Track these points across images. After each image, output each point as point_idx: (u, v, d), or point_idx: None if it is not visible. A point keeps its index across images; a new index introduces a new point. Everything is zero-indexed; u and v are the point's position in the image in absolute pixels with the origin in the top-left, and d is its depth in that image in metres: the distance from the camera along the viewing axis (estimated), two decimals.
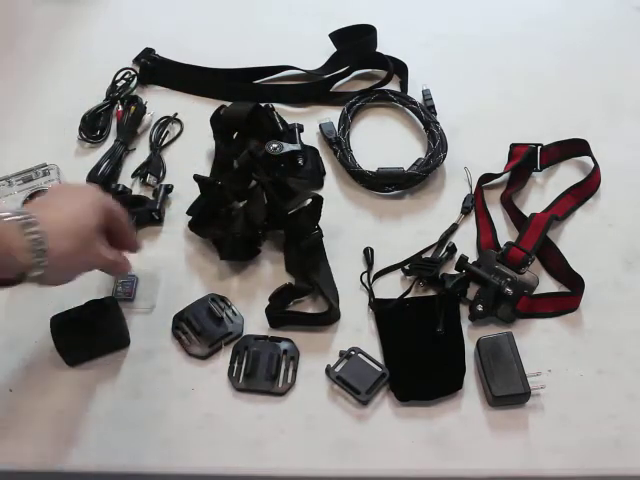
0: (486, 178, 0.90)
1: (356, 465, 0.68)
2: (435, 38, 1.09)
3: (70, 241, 0.62)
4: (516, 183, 0.90)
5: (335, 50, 1.05)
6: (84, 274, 0.67)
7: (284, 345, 0.75)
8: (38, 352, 0.75)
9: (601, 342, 0.76)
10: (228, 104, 0.94)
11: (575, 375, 0.74)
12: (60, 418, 0.71)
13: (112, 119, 0.97)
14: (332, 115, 0.97)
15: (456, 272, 0.80)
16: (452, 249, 0.82)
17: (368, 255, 0.82)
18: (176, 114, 0.98)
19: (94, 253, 0.66)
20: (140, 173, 0.91)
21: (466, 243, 0.84)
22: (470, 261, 0.80)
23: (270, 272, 0.82)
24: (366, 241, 0.84)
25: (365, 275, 0.81)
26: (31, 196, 0.80)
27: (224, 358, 0.75)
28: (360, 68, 1.04)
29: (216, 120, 0.93)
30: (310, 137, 0.95)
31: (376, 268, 0.82)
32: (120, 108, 0.97)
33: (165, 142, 0.95)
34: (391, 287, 0.81)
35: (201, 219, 0.84)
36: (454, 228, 0.86)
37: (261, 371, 0.73)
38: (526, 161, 0.90)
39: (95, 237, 0.66)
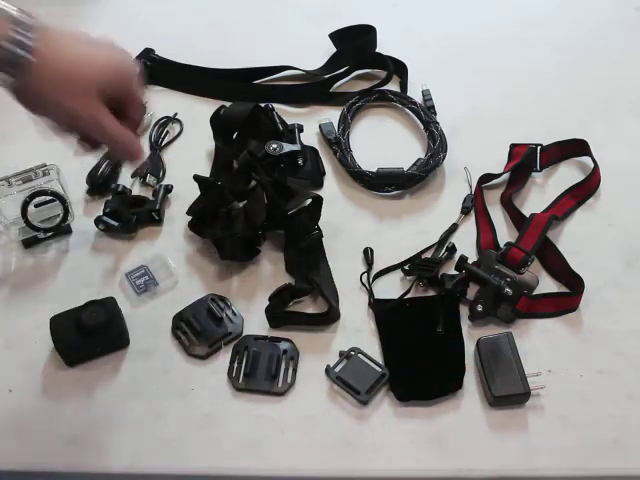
0: (486, 178, 0.90)
1: (356, 465, 0.68)
2: (435, 38, 1.09)
3: (59, 76, 0.56)
4: (516, 183, 0.90)
5: (335, 50, 1.05)
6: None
7: (284, 345, 0.75)
8: (38, 352, 0.75)
9: (601, 342, 0.76)
10: (228, 104, 0.94)
11: (575, 375, 0.74)
12: (60, 418, 0.71)
13: None
14: (332, 115, 0.97)
15: (456, 272, 0.80)
16: (452, 249, 0.82)
17: (368, 255, 0.82)
18: (176, 114, 0.98)
19: (88, 111, 0.58)
20: (140, 173, 0.91)
21: (466, 243, 0.84)
22: (470, 261, 0.80)
23: (270, 272, 0.82)
24: (366, 241, 0.84)
25: (365, 275, 0.81)
26: (31, 196, 0.79)
27: (224, 358, 0.75)
28: (360, 68, 1.04)
29: (216, 120, 0.93)
30: (310, 137, 0.95)
31: (376, 268, 0.82)
32: None
33: (165, 142, 0.95)
34: (391, 287, 0.81)
35: (201, 219, 0.84)
36: (454, 228, 0.86)
37: (261, 371, 0.73)
38: (526, 161, 0.90)
39: (93, 95, 0.58)
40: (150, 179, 0.90)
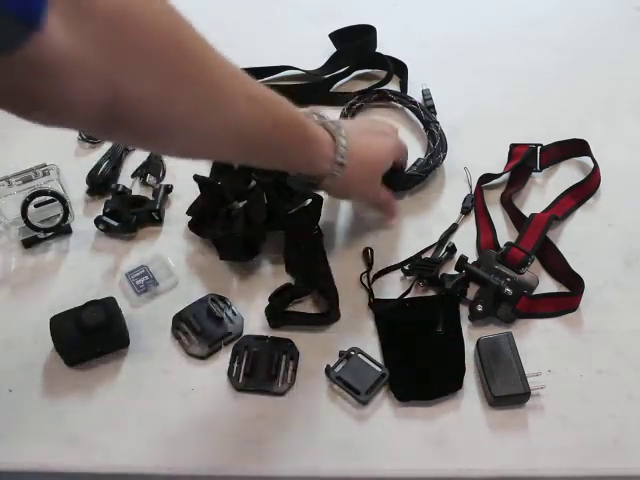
0: (486, 178, 0.90)
1: (356, 465, 0.68)
2: (435, 38, 1.09)
3: (364, 170, 0.75)
4: (516, 183, 0.90)
5: (335, 50, 1.05)
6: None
7: (284, 345, 0.75)
8: (38, 352, 0.75)
9: (601, 342, 0.76)
10: None
11: (575, 375, 0.74)
12: (60, 418, 0.71)
13: None
14: (332, 115, 0.96)
15: (456, 272, 0.80)
16: (452, 249, 0.82)
17: (368, 255, 0.82)
18: None
19: (376, 189, 0.78)
20: (140, 173, 0.91)
21: (466, 243, 0.84)
22: (470, 261, 0.80)
23: (270, 272, 0.82)
24: (366, 241, 0.84)
25: (365, 275, 0.81)
26: (31, 196, 0.79)
27: (224, 358, 0.75)
28: (360, 68, 1.04)
29: None
30: None
31: (376, 268, 0.82)
32: None
33: None
34: (391, 287, 0.81)
35: (201, 219, 0.84)
36: (454, 228, 0.86)
37: (261, 371, 0.73)
38: (526, 161, 0.90)
39: (379, 179, 0.78)
40: (150, 179, 0.90)
